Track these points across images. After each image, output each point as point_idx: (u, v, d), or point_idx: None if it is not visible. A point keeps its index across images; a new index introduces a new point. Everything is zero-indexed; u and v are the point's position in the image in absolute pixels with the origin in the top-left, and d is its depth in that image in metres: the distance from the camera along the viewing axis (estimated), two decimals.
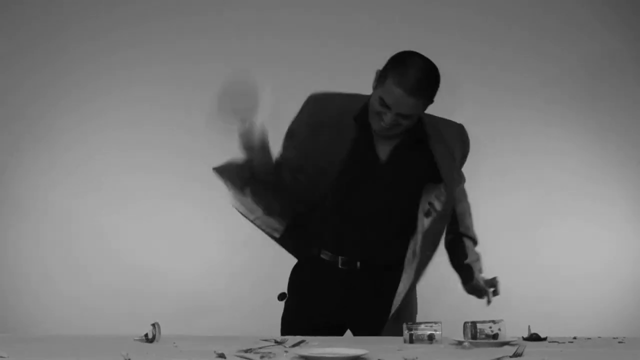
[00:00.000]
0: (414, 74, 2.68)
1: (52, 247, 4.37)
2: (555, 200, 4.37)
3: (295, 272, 3.04)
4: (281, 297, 3.03)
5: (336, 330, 2.93)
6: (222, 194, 4.31)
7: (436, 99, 2.77)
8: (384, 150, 2.85)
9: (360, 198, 2.87)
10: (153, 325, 2.44)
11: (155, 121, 4.38)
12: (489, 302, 2.99)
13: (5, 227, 4.40)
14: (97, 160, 4.39)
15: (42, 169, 4.40)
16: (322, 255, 2.92)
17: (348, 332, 2.97)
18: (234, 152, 4.36)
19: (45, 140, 4.41)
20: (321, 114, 2.86)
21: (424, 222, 2.86)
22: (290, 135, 2.91)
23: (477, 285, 3.00)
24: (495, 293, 2.99)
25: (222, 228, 4.31)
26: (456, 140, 2.96)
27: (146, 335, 2.43)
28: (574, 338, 2.56)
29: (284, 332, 2.94)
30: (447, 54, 4.37)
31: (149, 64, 4.41)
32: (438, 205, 2.88)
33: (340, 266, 2.91)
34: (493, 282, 3.00)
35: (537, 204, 4.37)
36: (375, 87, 2.77)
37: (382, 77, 2.73)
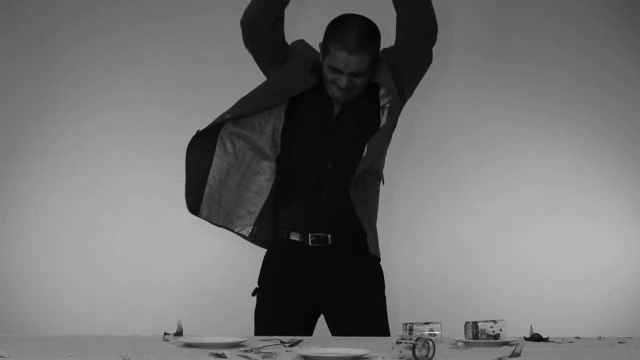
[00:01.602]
0: (352, 33, 2.82)
1: (52, 247, 4.36)
2: (556, 200, 4.37)
3: (266, 262, 3.04)
4: (255, 292, 3.03)
5: (310, 316, 2.94)
6: None
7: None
8: (336, 109, 2.93)
9: (318, 155, 2.91)
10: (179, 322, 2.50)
11: (155, 121, 4.37)
12: None
13: (5, 227, 4.39)
14: (97, 160, 4.38)
15: (42, 168, 4.40)
16: (291, 237, 2.93)
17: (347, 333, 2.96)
18: None
19: (45, 140, 4.41)
20: (304, 56, 2.98)
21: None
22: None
23: None
24: None
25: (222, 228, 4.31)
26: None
27: (177, 333, 2.47)
28: (576, 338, 2.56)
29: (258, 325, 2.94)
30: (447, 53, 4.38)
31: (148, 64, 4.40)
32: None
33: (310, 244, 2.91)
34: None
35: (537, 204, 4.36)
36: (322, 59, 2.88)
37: (325, 46, 2.87)
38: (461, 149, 4.34)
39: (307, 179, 2.92)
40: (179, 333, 2.52)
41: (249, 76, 4.37)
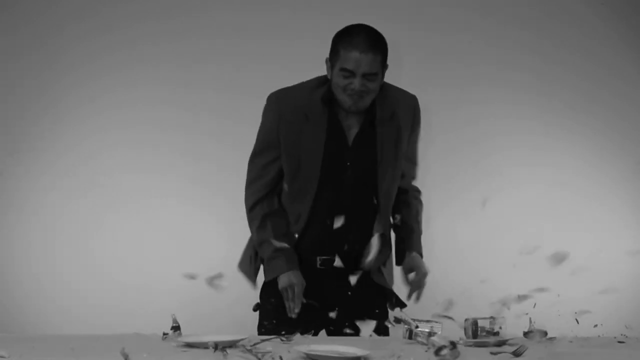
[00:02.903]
0: (361, 35, 2.82)
1: (52, 247, 4.36)
2: (555, 200, 4.37)
3: (268, 284, 3.04)
4: (256, 307, 3.02)
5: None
6: (221, 193, 4.33)
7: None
8: (350, 134, 2.93)
9: (333, 188, 2.91)
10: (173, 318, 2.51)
11: (155, 121, 4.38)
12: (417, 298, 2.98)
13: (5, 227, 4.39)
14: (97, 160, 4.38)
15: (42, 168, 4.40)
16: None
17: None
18: (233, 152, 4.36)
19: (45, 140, 4.41)
20: (284, 110, 2.95)
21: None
22: (268, 146, 2.97)
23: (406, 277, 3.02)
24: (415, 289, 2.98)
25: (223, 227, 4.31)
26: (408, 112, 3.02)
27: (173, 327, 2.47)
28: (575, 337, 2.56)
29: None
30: (447, 54, 4.38)
31: (149, 64, 4.40)
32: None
33: (319, 267, 2.92)
34: (417, 282, 3.00)
35: (536, 204, 4.36)
36: (332, 69, 2.88)
37: (334, 54, 2.86)
38: (461, 149, 4.34)
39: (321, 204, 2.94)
40: (176, 327, 2.52)
41: (249, 76, 4.40)
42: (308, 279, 2.91)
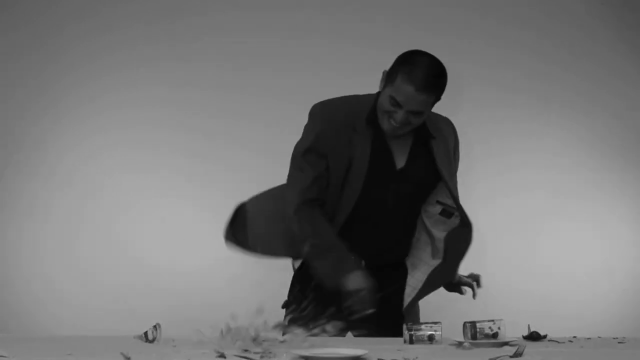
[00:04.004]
0: (423, 71, 2.71)
1: (53, 247, 4.36)
2: (555, 201, 4.37)
3: (297, 278, 3.01)
4: (285, 305, 2.99)
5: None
6: (221, 193, 4.33)
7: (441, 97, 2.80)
8: (399, 157, 2.88)
9: (375, 203, 2.87)
10: (155, 326, 2.44)
11: (155, 121, 4.38)
12: (474, 295, 2.99)
13: (5, 228, 4.39)
14: (97, 160, 4.38)
15: (42, 169, 4.40)
16: None
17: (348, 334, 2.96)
18: (232, 152, 4.37)
19: (45, 140, 4.41)
20: (333, 119, 2.87)
21: (439, 222, 2.93)
22: (310, 150, 2.87)
23: (460, 282, 3.00)
24: (478, 286, 2.99)
25: (223, 227, 4.31)
26: (450, 134, 3.03)
27: (145, 333, 2.43)
28: (574, 337, 2.56)
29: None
30: (447, 54, 4.37)
31: (149, 64, 4.40)
32: (449, 202, 2.92)
33: None
34: (476, 277, 3.00)
35: (536, 205, 4.37)
36: (383, 87, 2.80)
37: (391, 76, 2.76)
38: (460, 150, 4.34)
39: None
40: (151, 340, 2.42)
41: (249, 76, 4.41)
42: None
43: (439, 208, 2.95)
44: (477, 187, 4.34)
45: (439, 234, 2.94)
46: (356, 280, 2.76)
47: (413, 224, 2.97)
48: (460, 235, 2.91)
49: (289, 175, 2.92)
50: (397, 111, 2.74)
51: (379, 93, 2.86)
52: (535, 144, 4.40)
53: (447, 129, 3.00)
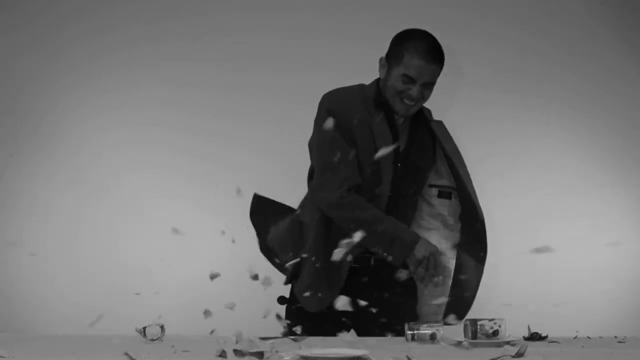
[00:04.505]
0: (427, 43, 2.85)
1: (53, 247, 4.36)
2: (555, 200, 4.37)
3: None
4: (281, 300, 2.99)
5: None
6: (221, 194, 4.33)
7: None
8: (402, 138, 2.95)
9: (384, 187, 2.91)
10: (161, 327, 2.44)
11: (155, 121, 4.38)
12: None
13: (5, 228, 4.39)
14: (97, 160, 4.38)
15: (42, 169, 4.40)
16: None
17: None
18: (232, 152, 4.37)
19: (45, 140, 4.41)
20: (349, 105, 2.92)
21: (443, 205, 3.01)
22: (335, 140, 2.88)
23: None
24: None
25: (224, 226, 4.31)
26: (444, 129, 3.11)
27: (144, 329, 2.43)
28: (575, 338, 2.56)
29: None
30: (447, 53, 4.37)
31: (149, 64, 4.40)
32: (444, 182, 3.02)
33: (353, 264, 2.90)
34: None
35: (537, 205, 4.36)
36: (388, 71, 2.88)
37: (395, 57, 2.86)
38: (460, 149, 4.34)
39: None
40: (154, 339, 2.44)
41: (249, 76, 4.40)
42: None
43: (435, 191, 3.00)
44: (477, 187, 4.33)
45: (449, 218, 3.02)
46: (421, 249, 2.82)
47: (415, 206, 3.01)
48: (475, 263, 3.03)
49: (319, 170, 2.91)
50: (411, 88, 2.84)
51: (378, 80, 2.95)
52: (535, 144, 4.40)
53: (431, 117, 3.10)
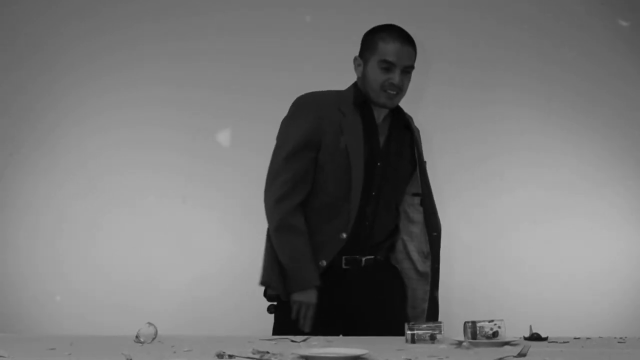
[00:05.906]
0: (397, 29, 2.89)
1: (53, 247, 4.36)
2: (555, 200, 4.37)
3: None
4: (271, 309, 2.98)
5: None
6: (222, 193, 4.33)
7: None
8: (382, 138, 2.95)
9: (367, 188, 2.90)
10: (152, 325, 2.44)
11: (155, 121, 4.38)
12: None
13: (5, 227, 4.39)
14: (98, 160, 4.38)
15: (42, 169, 4.40)
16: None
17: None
18: (232, 152, 4.37)
19: (45, 140, 4.41)
20: (323, 106, 2.93)
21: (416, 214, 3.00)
22: (298, 144, 2.90)
23: None
24: None
25: (224, 226, 4.32)
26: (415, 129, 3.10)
27: (137, 336, 2.42)
28: (575, 338, 2.56)
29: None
30: (448, 53, 4.38)
31: (149, 64, 4.40)
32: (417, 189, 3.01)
33: (344, 266, 2.90)
34: None
35: (536, 204, 4.36)
36: (365, 64, 2.89)
37: (369, 50, 2.88)
38: (460, 149, 4.34)
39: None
40: (142, 342, 2.42)
41: (249, 75, 4.40)
42: (335, 279, 2.89)
43: (417, 200, 3.01)
44: (477, 187, 4.34)
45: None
46: (301, 296, 2.81)
47: (397, 209, 3.00)
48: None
49: (269, 173, 2.94)
50: (392, 76, 2.84)
51: (355, 83, 2.96)
52: (536, 143, 4.40)
53: (413, 123, 3.09)
